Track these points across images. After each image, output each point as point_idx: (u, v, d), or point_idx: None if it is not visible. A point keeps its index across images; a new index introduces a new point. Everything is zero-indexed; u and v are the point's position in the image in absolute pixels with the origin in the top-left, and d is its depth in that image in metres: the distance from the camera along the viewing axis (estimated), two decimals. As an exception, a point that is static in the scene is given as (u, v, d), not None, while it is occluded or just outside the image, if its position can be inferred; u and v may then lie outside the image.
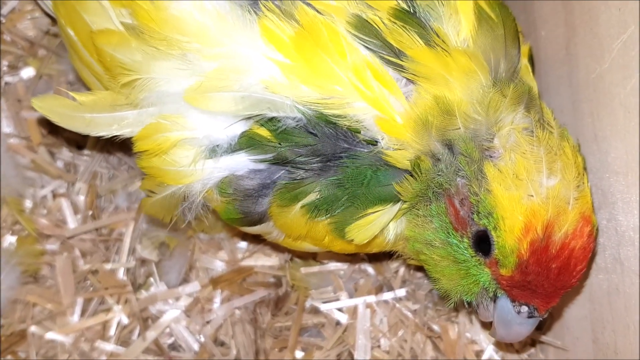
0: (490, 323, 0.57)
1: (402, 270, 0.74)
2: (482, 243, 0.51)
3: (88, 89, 0.62)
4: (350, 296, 0.72)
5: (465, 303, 0.56)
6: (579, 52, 0.59)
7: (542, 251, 0.49)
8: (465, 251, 0.52)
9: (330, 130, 0.52)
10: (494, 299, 0.54)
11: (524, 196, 0.49)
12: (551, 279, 0.50)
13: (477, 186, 0.50)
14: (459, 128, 0.51)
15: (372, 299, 0.72)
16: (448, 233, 0.53)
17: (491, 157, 0.51)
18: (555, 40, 0.64)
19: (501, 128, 0.51)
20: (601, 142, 0.56)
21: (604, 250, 0.58)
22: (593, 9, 0.56)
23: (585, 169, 0.53)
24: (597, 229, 0.53)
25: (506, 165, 0.50)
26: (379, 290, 0.73)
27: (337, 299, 0.72)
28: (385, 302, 0.72)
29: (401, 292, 0.72)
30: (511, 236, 0.49)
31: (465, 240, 0.52)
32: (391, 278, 0.74)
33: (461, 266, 0.53)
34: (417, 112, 0.51)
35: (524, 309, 0.53)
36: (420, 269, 0.70)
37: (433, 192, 0.52)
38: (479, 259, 0.52)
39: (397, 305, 0.72)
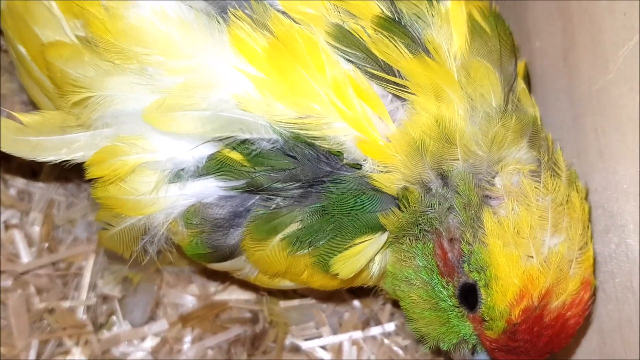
0: None
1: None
2: (470, 295, 0.49)
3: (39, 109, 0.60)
4: (335, 332, 0.71)
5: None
6: (579, 62, 0.57)
7: (535, 320, 0.47)
8: (449, 299, 0.50)
9: (311, 152, 0.49)
10: (473, 351, 0.52)
11: (522, 256, 0.46)
12: (539, 346, 0.49)
13: (472, 235, 0.48)
14: (458, 159, 0.48)
15: (358, 334, 0.70)
16: (432, 275, 0.50)
17: (490, 200, 0.49)
18: (552, 51, 0.62)
19: (504, 167, 0.49)
20: (607, 160, 0.54)
21: (613, 278, 0.55)
22: (594, 15, 0.54)
23: (589, 220, 0.52)
24: (595, 288, 0.51)
25: (507, 218, 0.47)
26: (365, 324, 0.71)
27: (320, 336, 0.71)
28: (373, 337, 0.71)
29: (390, 327, 0.71)
30: (503, 299, 0.47)
31: (451, 287, 0.50)
32: (378, 311, 0.72)
33: (441, 313, 0.51)
34: (413, 133, 0.48)
35: None
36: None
37: (420, 229, 0.50)
38: (462, 311, 0.50)
39: (386, 341, 0.70)
